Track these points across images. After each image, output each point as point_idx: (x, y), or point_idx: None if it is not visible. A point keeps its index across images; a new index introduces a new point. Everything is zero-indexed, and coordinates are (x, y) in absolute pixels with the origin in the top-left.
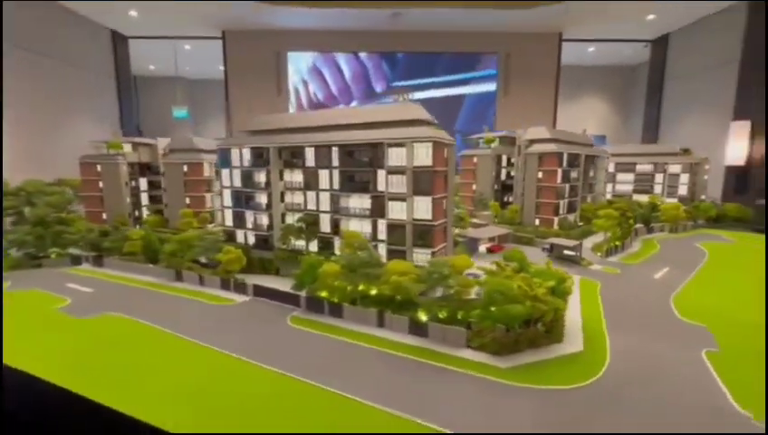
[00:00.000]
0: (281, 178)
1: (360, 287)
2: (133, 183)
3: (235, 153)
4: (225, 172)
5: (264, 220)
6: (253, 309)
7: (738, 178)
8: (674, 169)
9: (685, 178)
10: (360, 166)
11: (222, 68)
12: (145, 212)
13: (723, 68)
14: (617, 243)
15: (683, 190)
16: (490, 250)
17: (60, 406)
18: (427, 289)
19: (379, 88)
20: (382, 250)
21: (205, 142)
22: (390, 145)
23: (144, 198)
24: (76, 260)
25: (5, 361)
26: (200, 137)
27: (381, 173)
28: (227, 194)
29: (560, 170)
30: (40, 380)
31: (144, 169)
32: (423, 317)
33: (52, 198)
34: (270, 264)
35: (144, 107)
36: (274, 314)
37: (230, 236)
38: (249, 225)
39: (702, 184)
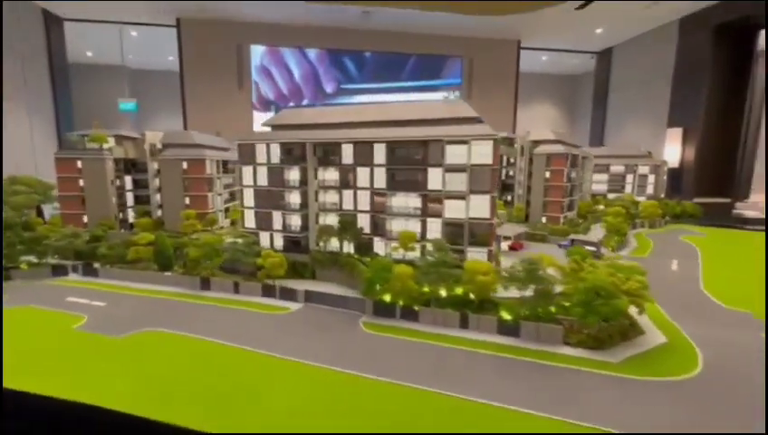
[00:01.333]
0: (314, 176)
1: (428, 289)
2: (118, 182)
3: (260, 149)
4: (247, 170)
5: (296, 221)
6: (314, 317)
7: (674, 179)
8: (642, 170)
9: (651, 178)
10: (408, 163)
11: (173, 58)
12: (131, 214)
13: (658, 80)
14: (620, 238)
15: (650, 189)
16: (512, 248)
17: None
18: (524, 287)
19: (329, 89)
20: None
21: (205, 138)
22: (450, 142)
23: (129, 199)
24: (59, 270)
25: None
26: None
27: (433, 171)
28: (249, 193)
29: (566, 170)
30: (40, 397)
31: (129, 166)
32: (507, 316)
33: (18, 199)
34: (304, 267)
35: (81, 98)
36: (341, 320)
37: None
38: (277, 226)
39: (661, 184)
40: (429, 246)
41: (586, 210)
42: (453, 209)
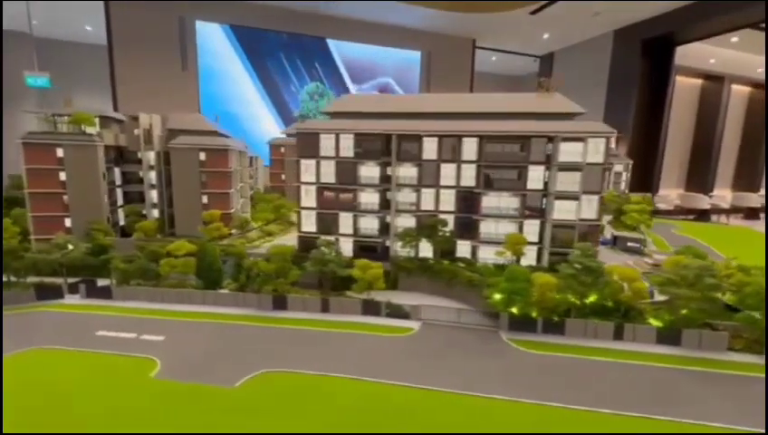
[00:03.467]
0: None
1: (572, 298)
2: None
3: (326, 140)
4: (307, 164)
5: (371, 224)
6: (447, 336)
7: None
8: (618, 168)
9: (624, 176)
10: (505, 160)
11: (91, 29)
12: (121, 216)
13: (595, 87)
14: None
15: (622, 186)
16: None
17: None
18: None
19: None
20: (532, 253)
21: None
22: (566, 139)
23: (118, 197)
24: (50, 292)
25: None
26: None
27: (534, 169)
28: (309, 192)
29: None
30: None
31: (118, 155)
32: (655, 323)
33: None
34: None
35: None
36: (481, 339)
37: (309, 246)
38: (345, 230)
39: (627, 181)
40: (576, 251)
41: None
42: (563, 211)
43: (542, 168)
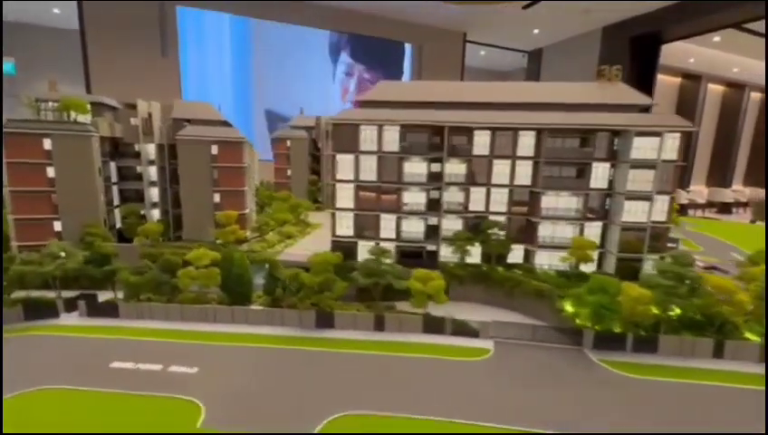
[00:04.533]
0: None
1: (657, 311)
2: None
3: (368, 133)
4: (345, 160)
5: (416, 227)
6: (528, 360)
7: None
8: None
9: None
10: (566, 156)
11: (59, 11)
12: (117, 217)
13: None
14: None
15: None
16: None
17: None
18: None
19: None
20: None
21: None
22: (640, 134)
23: (114, 196)
24: (41, 310)
25: None
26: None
27: (599, 166)
28: (347, 192)
29: None
30: None
31: (113, 148)
32: (754, 339)
33: None
34: None
35: None
36: (569, 361)
37: (345, 252)
38: (387, 233)
39: None
40: (668, 259)
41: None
42: (633, 212)
43: (606, 165)
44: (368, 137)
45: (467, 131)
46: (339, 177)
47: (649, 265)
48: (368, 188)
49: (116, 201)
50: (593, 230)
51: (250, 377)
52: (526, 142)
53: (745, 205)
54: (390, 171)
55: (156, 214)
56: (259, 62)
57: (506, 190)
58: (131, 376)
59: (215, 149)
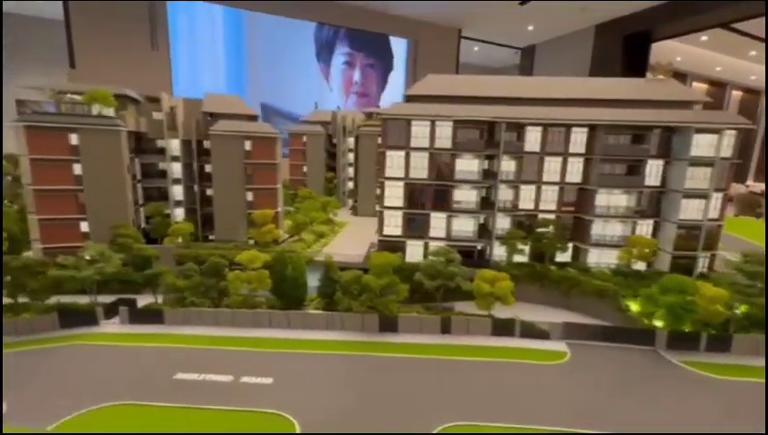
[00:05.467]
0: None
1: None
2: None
3: (419, 128)
4: (395, 156)
5: (466, 226)
6: (608, 361)
7: None
8: None
9: None
10: (620, 153)
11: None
12: (142, 216)
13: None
14: None
15: None
16: None
17: None
18: None
19: None
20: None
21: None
22: (699, 131)
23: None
24: (77, 317)
25: None
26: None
27: (653, 163)
28: (396, 189)
29: None
30: None
31: (137, 144)
32: None
33: None
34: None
35: None
36: (650, 363)
37: (394, 251)
38: (437, 232)
39: None
40: (737, 257)
41: None
42: (689, 210)
43: (660, 162)
44: (420, 133)
45: (518, 128)
46: (388, 174)
47: (701, 263)
48: (418, 185)
49: (140, 199)
50: (643, 228)
51: (331, 387)
52: (578, 139)
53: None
54: (443, 168)
55: (179, 213)
56: (253, 55)
57: (556, 188)
58: (201, 388)
59: (248, 145)
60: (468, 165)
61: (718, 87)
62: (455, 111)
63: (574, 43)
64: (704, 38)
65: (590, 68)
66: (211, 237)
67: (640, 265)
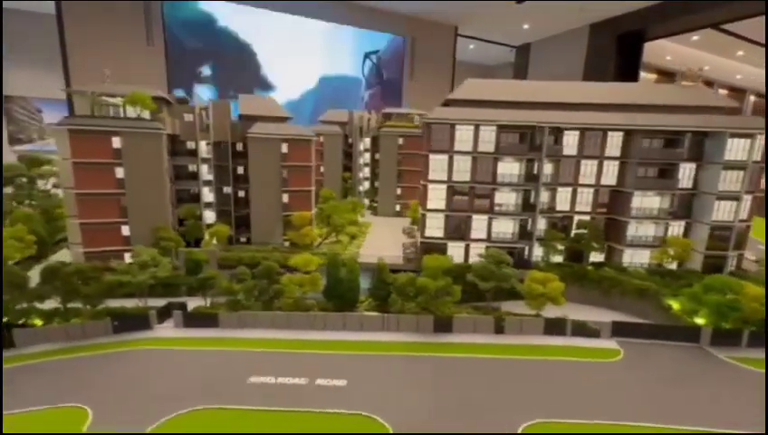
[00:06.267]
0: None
1: None
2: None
3: (463, 132)
4: (438, 160)
5: (506, 227)
6: (660, 358)
7: None
8: None
9: None
10: (654, 157)
11: None
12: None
13: (571, 77)
14: None
15: None
16: None
17: None
18: None
19: None
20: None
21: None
22: (733, 135)
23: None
24: (130, 322)
25: None
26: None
27: (686, 166)
28: (438, 192)
29: None
30: None
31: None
32: None
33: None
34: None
35: None
36: (699, 359)
37: (434, 253)
38: (478, 234)
39: None
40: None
41: None
42: (721, 211)
43: (692, 165)
44: (463, 136)
45: (556, 132)
46: (431, 177)
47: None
48: (462, 189)
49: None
50: (674, 229)
51: (407, 388)
52: (614, 142)
53: None
54: (485, 172)
55: (209, 215)
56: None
57: (591, 190)
58: (279, 391)
59: (284, 148)
60: (510, 168)
61: (706, 86)
62: (497, 115)
63: (569, 42)
64: (695, 38)
65: (584, 67)
66: (241, 239)
67: (671, 265)
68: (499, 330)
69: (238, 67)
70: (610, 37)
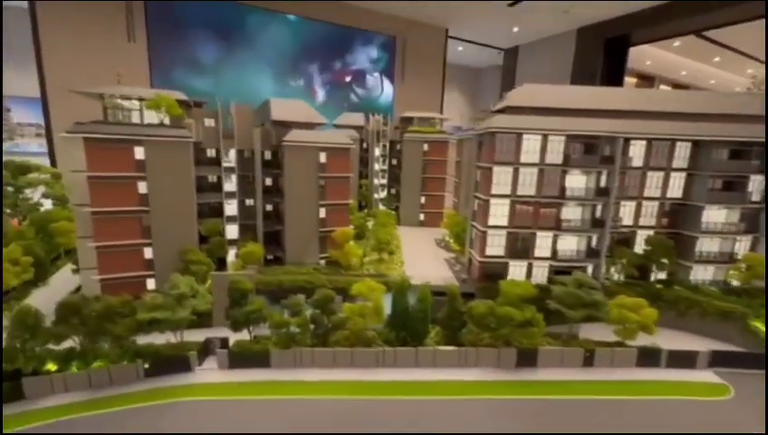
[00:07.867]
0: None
1: None
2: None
3: (530, 142)
4: (501, 172)
5: (571, 245)
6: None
7: None
8: None
9: None
10: (722, 169)
11: None
12: None
13: (559, 81)
14: None
15: None
16: None
17: None
18: None
19: None
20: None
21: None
22: None
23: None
24: (166, 364)
25: None
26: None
27: (756, 178)
28: (501, 207)
29: None
30: None
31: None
32: None
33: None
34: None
35: None
36: None
37: (494, 275)
38: (541, 253)
39: None
40: None
41: None
42: None
43: (761, 177)
44: (530, 147)
45: (624, 142)
46: (494, 191)
47: None
48: (525, 203)
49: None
50: (742, 244)
51: None
52: (682, 153)
53: None
54: (551, 185)
55: (231, 230)
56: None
57: (656, 203)
58: None
59: (323, 157)
60: (577, 181)
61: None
62: (563, 124)
63: (557, 46)
64: (676, 43)
65: (572, 70)
66: (268, 257)
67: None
68: (588, 362)
69: None
70: (598, 42)
